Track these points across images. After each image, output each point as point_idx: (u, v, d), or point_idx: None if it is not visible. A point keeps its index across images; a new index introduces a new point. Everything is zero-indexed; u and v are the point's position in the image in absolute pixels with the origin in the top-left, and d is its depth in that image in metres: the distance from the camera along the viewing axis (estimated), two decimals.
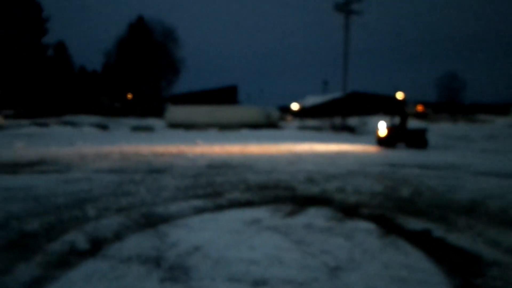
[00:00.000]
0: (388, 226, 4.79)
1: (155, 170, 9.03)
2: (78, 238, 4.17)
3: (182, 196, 6.26)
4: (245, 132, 25.45)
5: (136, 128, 26.05)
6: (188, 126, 29.30)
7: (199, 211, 5.38)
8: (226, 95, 50.28)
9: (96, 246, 3.98)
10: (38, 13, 49.09)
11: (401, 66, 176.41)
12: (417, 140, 15.39)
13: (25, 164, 10.26)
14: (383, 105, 54.75)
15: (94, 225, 4.63)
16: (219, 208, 5.59)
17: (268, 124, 31.74)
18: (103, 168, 9.55)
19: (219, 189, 6.85)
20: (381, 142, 15.85)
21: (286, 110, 60.21)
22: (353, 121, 30.91)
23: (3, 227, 4.54)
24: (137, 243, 4.06)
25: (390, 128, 16.01)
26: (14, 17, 44.59)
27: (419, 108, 59.97)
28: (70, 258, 3.71)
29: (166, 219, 4.96)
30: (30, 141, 18.11)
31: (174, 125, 29.83)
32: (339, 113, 34.82)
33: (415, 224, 4.88)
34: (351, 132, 28.47)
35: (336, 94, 53.23)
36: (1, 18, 44.00)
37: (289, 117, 53.59)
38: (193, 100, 40.60)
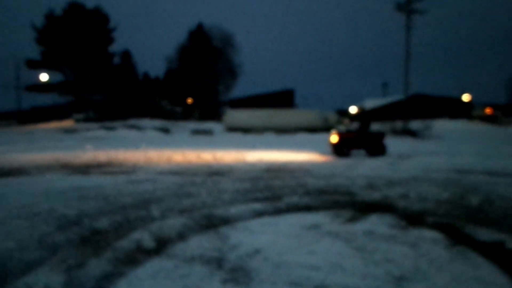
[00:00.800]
0: (456, 236, 4.53)
1: (215, 172, 9.24)
2: (144, 236, 4.35)
3: (242, 199, 6.35)
4: (302, 136, 25.32)
5: (196, 132, 26.80)
6: (246, 129, 29.70)
7: (259, 214, 5.42)
8: (283, 98, 50.40)
9: (161, 245, 4.14)
10: (105, 24, 52.16)
11: (468, 67, 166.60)
12: (375, 147, 13.70)
13: (95, 165, 10.92)
14: (449, 108, 52.11)
15: (159, 224, 4.82)
16: (278, 212, 5.60)
17: (326, 127, 31.29)
18: (166, 170, 9.92)
19: (278, 192, 6.86)
20: (334, 149, 14.09)
21: (344, 113, 59.10)
22: (416, 125, 29.59)
23: (76, 224, 4.86)
24: (200, 243, 4.17)
25: (343, 134, 14.20)
26: (84, 28, 47.72)
27: (488, 111, 56.33)
28: (137, 255, 3.89)
29: (226, 221, 5.05)
30: (98, 144, 19.24)
31: (232, 129, 30.35)
32: (401, 116, 33.57)
33: (486, 234, 4.58)
34: (414, 137, 27.29)
35: (397, 96, 51.44)
36: (72, 29, 47.24)
37: (347, 121, 52.52)
38: (250, 104, 41.10)
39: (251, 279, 3.30)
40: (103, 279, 3.37)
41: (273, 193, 6.86)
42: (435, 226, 4.92)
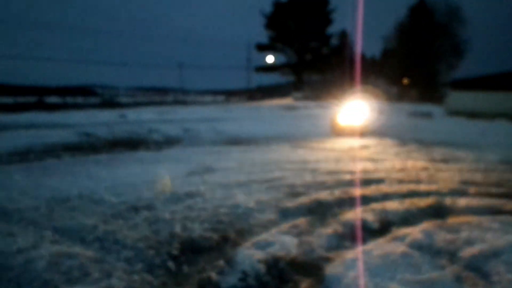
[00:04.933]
0: None
1: (438, 159, 8.53)
2: (367, 215, 4.37)
3: (472, 191, 5.67)
4: None
5: (413, 114, 25.31)
6: (471, 114, 26.30)
7: (495, 211, 4.74)
8: None
9: (385, 227, 4.09)
10: (325, 6, 53.80)
11: None
12: None
13: (314, 141, 11.55)
14: None
15: (381, 206, 4.75)
16: None
17: None
18: (382, 149, 9.72)
19: None
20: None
21: None
22: None
23: (304, 194, 5.24)
24: (426, 232, 3.92)
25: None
26: (305, 12, 50.37)
27: None
28: (362, 233, 3.94)
29: (456, 213, 4.60)
30: (314, 121, 20.19)
31: (454, 113, 27.34)
32: None
33: None
34: None
35: None
36: (296, 14, 50.43)
37: None
38: (477, 86, 36.04)
39: (491, 284, 2.94)
40: (330, 249, 3.55)
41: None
42: None
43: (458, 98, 29.06)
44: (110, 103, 37.16)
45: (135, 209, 4.48)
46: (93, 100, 43.23)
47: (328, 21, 54.85)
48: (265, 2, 63.24)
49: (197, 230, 3.88)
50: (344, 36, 58.18)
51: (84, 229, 3.87)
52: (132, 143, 10.39)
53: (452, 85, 40.18)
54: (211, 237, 3.76)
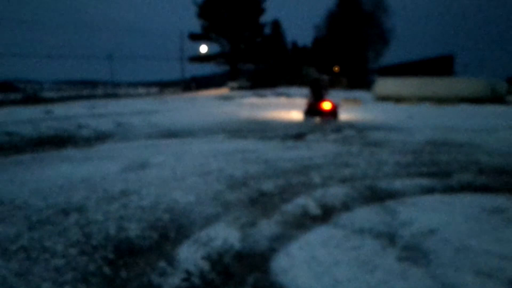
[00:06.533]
0: None
1: (371, 143, 8.85)
2: (308, 203, 4.38)
3: (405, 172, 5.93)
4: (465, 107, 22.66)
5: (345, 100, 26.22)
6: (398, 99, 27.79)
7: (427, 191, 4.98)
8: (440, 66, 45.62)
9: (327, 213, 4.11)
10: None
11: None
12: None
13: (249, 130, 11.51)
14: None
15: (321, 192, 4.80)
16: (450, 190, 5.07)
17: (493, 98, 27.35)
18: (319, 137, 9.91)
19: (446, 169, 6.22)
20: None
21: None
22: None
23: (244, 185, 5.15)
24: (367, 216, 4.00)
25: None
26: (238, 1, 50.06)
27: None
28: (304, 221, 3.93)
29: (391, 195, 4.77)
30: (252, 109, 20.25)
31: (382, 98, 28.72)
32: None
33: None
34: None
35: None
36: (228, 3, 49.98)
37: None
38: (402, 72, 38.18)
39: (430, 262, 3.03)
40: (275, 240, 3.49)
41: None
42: None
43: (385, 84, 30.50)
44: (34, 99, 34.54)
45: (65, 212, 4.13)
46: (14, 96, 39.95)
47: (261, 10, 54.94)
48: None
49: (134, 230, 3.65)
50: (276, 25, 58.79)
51: (5, 239, 3.48)
52: (59, 141, 9.68)
53: (379, 72, 42.18)
54: (150, 236, 3.55)
